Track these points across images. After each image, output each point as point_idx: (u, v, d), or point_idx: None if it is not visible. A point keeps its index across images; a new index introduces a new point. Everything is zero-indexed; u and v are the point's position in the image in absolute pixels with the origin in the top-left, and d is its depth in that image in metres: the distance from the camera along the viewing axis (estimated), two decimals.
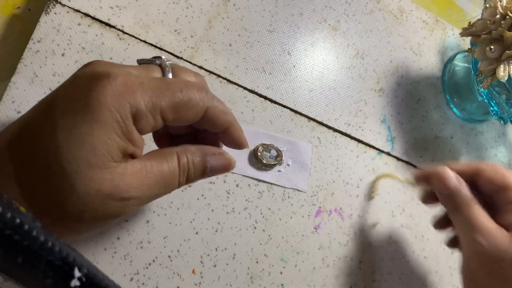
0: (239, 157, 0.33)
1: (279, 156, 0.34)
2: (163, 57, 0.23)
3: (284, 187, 0.34)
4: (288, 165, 0.35)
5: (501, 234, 0.28)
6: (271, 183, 0.34)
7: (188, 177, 0.22)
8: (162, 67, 0.22)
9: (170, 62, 0.22)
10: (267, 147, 0.33)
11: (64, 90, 0.20)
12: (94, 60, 0.21)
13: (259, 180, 0.33)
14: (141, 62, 0.23)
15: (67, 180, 0.17)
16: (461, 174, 0.31)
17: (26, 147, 0.18)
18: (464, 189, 0.30)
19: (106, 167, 0.18)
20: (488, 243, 0.28)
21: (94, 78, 0.19)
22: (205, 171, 0.22)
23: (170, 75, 0.21)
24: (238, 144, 0.24)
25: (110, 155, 0.19)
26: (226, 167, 0.23)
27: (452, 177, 0.31)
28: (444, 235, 0.34)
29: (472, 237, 0.28)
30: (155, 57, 0.22)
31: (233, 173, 0.32)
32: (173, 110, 0.20)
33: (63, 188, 0.18)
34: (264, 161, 0.33)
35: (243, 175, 0.33)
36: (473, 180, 0.31)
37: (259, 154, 0.33)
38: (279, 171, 0.34)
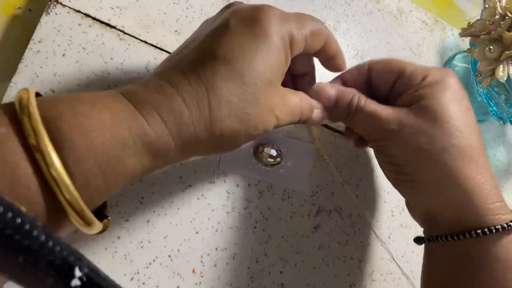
0: (240, 157, 0.33)
1: (279, 156, 0.34)
2: None
3: (284, 187, 0.34)
4: (288, 165, 0.35)
5: (401, 110, 0.28)
6: (271, 183, 0.34)
7: (301, 119, 0.27)
8: None
9: None
10: (267, 147, 0.34)
11: (236, 20, 0.23)
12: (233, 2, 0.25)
13: (259, 180, 0.33)
14: None
15: (253, 93, 0.22)
16: (354, 79, 0.31)
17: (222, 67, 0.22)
18: (346, 93, 0.29)
19: (277, 87, 0.24)
20: (396, 126, 0.28)
21: (255, 9, 0.23)
22: (308, 120, 0.28)
23: None
24: (340, 69, 0.29)
25: (280, 75, 0.24)
26: (319, 121, 0.29)
27: (328, 88, 0.29)
28: None
29: (379, 129, 0.28)
30: None
31: (233, 172, 0.33)
32: (312, 37, 0.25)
33: (250, 99, 0.22)
34: (264, 161, 0.33)
35: (243, 175, 0.33)
36: (368, 79, 0.31)
37: (259, 154, 0.33)
38: (279, 171, 0.34)
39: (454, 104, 0.28)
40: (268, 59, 0.23)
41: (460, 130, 0.27)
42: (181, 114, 0.21)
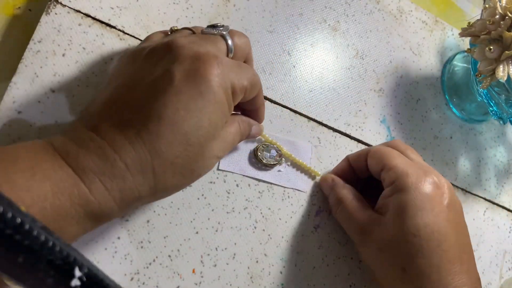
0: (240, 157, 0.33)
1: (279, 156, 0.34)
2: (219, 24, 0.27)
3: (284, 187, 0.34)
4: (288, 165, 0.35)
5: (376, 217, 0.30)
6: (271, 183, 0.34)
7: (240, 139, 0.28)
8: (224, 38, 0.26)
9: (225, 29, 0.26)
10: (267, 147, 0.34)
11: (180, 74, 0.22)
12: (173, 39, 0.24)
13: (259, 180, 0.33)
14: (207, 32, 0.26)
15: (198, 151, 0.23)
16: (356, 161, 0.34)
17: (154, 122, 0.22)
18: (337, 187, 0.33)
19: (219, 136, 0.24)
20: (367, 232, 0.30)
21: (198, 59, 0.23)
22: (248, 136, 0.30)
23: (232, 46, 0.26)
24: (260, 120, 0.31)
25: (222, 126, 0.24)
26: (258, 134, 0.32)
27: (328, 180, 0.34)
28: None
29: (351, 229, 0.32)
30: (213, 26, 0.27)
31: (233, 173, 0.32)
32: (250, 89, 0.26)
33: (194, 157, 0.23)
34: (264, 161, 0.33)
35: (243, 175, 0.33)
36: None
37: (259, 154, 0.33)
38: (279, 171, 0.34)
39: (423, 218, 0.28)
40: (214, 116, 0.23)
41: (426, 247, 0.27)
42: (124, 180, 0.21)
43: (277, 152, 0.34)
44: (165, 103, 0.22)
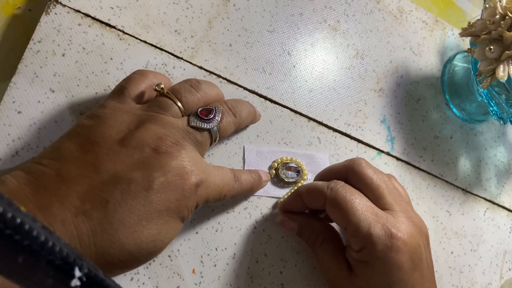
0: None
1: (300, 172, 0.34)
2: (211, 115, 0.27)
3: None
4: (309, 179, 0.35)
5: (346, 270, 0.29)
6: None
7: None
8: (210, 135, 0.27)
9: (214, 122, 0.27)
10: (287, 165, 0.34)
11: (157, 187, 0.23)
12: (163, 136, 0.24)
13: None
14: (195, 126, 0.26)
15: (145, 256, 0.23)
16: (311, 202, 0.30)
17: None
18: (305, 230, 0.31)
19: (167, 245, 0.25)
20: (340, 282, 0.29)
21: (184, 179, 0.24)
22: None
23: (217, 136, 0.28)
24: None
25: (175, 236, 0.25)
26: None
27: (289, 224, 0.32)
28: (443, 232, 0.34)
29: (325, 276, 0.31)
30: (203, 120, 0.27)
31: (260, 196, 0.33)
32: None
33: (141, 260, 0.23)
34: (286, 180, 0.33)
35: (267, 196, 0.33)
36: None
37: (280, 173, 0.33)
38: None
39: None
40: (171, 233, 0.24)
41: None
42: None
43: (297, 168, 0.34)
44: (132, 210, 0.22)
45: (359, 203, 0.27)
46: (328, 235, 0.31)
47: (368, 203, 0.28)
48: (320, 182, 0.29)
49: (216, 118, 0.27)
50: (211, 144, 0.28)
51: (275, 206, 0.33)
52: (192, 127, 0.26)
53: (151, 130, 0.24)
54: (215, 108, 0.27)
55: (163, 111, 0.26)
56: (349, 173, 0.30)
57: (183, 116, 0.27)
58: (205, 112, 0.27)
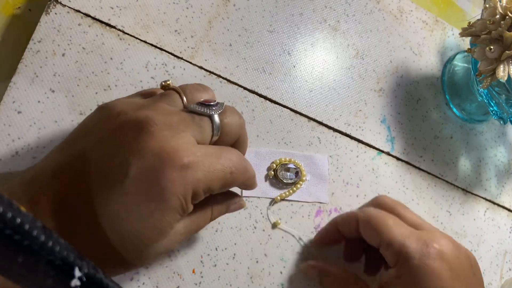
0: (261, 180, 0.33)
1: (298, 173, 0.34)
2: (213, 102, 0.24)
3: (306, 201, 0.34)
4: (307, 180, 0.35)
5: None
6: (294, 201, 0.34)
7: (206, 224, 0.25)
8: (211, 119, 0.23)
9: (218, 108, 0.24)
10: (286, 166, 0.34)
11: (135, 172, 0.20)
12: (147, 118, 0.21)
13: (283, 200, 0.34)
14: (193, 109, 0.23)
15: (133, 254, 0.21)
16: (345, 228, 0.31)
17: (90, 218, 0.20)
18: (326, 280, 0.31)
19: (165, 237, 0.21)
20: None
21: (161, 158, 0.20)
22: (226, 212, 0.27)
23: (218, 128, 0.24)
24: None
25: (171, 228, 0.21)
26: (240, 208, 0.28)
27: (312, 273, 0.31)
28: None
29: None
30: (205, 104, 0.24)
31: (259, 197, 0.33)
32: (220, 188, 0.23)
33: (129, 258, 0.21)
34: (285, 181, 0.33)
35: (267, 197, 0.33)
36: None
37: (279, 174, 0.33)
38: (300, 188, 0.34)
39: None
40: (159, 223, 0.21)
41: None
42: None
43: (296, 169, 0.34)
44: (108, 201, 0.20)
45: (393, 220, 0.28)
46: (349, 279, 0.30)
47: (401, 222, 0.29)
48: (352, 211, 0.30)
49: (219, 106, 0.24)
50: (212, 137, 0.24)
51: (272, 202, 0.33)
52: (191, 110, 0.23)
53: (141, 113, 0.22)
54: (220, 102, 0.25)
55: (164, 100, 0.24)
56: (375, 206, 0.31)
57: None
58: (208, 101, 0.24)
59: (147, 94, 0.26)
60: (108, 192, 0.20)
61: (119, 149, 0.21)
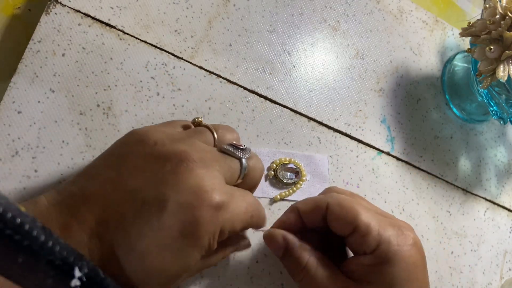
0: (261, 180, 0.33)
1: (298, 173, 0.34)
2: (242, 146, 0.25)
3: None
4: (307, 180, 0.35)
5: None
6: (294, 201, 0.34)
7: (224, 258, 0.27)
8: (241, 163, 0.25)
9: (247, 153, 0.25)
10: (286, 166, 0.34)
11: (172, 207, 0.20)
12: (186, 154, 0.22)
13: (283, 200, 0.34)
14: (226, 151, 0.24)
15: (160, 285, 0.21)
16: (309, 216, 0.28)
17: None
18: (294, 251, 0.27)
19: (187, 271, 0.22)
20: None
21: (202, 200, 0.21)
22: (235, 251, 0.29)
23: (245, 171, 0.25)
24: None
25: (194, 265, 0.22)
26: (247, 248, 0.30)
27: (278, 240, 0.28)
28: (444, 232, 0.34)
29: None
30: (236, 147, 0.25)
31: (259, 197, 0.33)
32: (240, 229, 0.24)
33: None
34: (285, 181, 0.33)
35: (266, 197, 0.33)
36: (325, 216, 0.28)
37: (279, 174, 0.33)
38: (300, 188, 0.34)
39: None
40: (187, 260, 0.21)
41: None
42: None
43: (296, 169, 0.34)
44: (142, 235, 0.20)
45: (365, 205, 0.27)
46: (321, 259, 0.27)
47: (371, 206, 0.28)
48: (316, 196, 0.29)
49: (248, 150, 0.25)
50: (237, 180, 0.25)
51: (271, 201, 0.33)
52: (224, 151, 0.24)
53: (179, 147, 0.22)
54: (247, 147, 0.26)
55: (198, 136, 0.25)
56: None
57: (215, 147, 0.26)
58: (238, 145, 0.25)
59: (179, 126, 0.27)
60: (145, 226, 0.20)
61: (156, 180, 0.21)
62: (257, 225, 0.26)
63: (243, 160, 0.25)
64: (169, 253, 0.20)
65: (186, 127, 0.27)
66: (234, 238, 0.28)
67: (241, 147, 0.25)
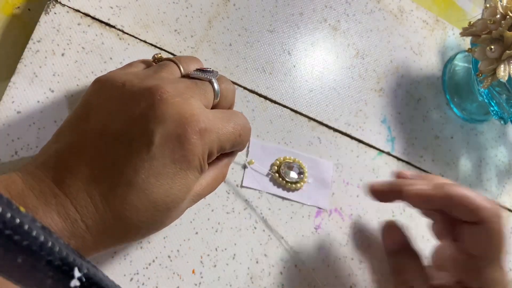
0: (262, 175, 0.34)
1: (301, 174, 0.34)
2: (208, 69, 0.26)
3: (306, 204, 0.34)
4: (309, 182, 0.35)
5: None
6: (293, 200, 0.34)
7: (222, 181, 0.28)
8: (211, 84, 0.25)
9: (214, 74, 0.25)
10: (289, 165, 0.34)
11: (159, 139, 0.21)
12: (158, 87, 0.22)
13: (282, 198, 0.34)
14: (195, 76, 0.25)
15: (166, 215, 0.23)
16: (430, 199, 0.29)
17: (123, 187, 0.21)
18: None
19: (189, 195, 0.23)
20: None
21: (182, 122, 0.22)
22: (231, 162, 0.29)
23: (218, 91, 0.26)
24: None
25: (193, 187, 0.23)
26: (240, 150, 0.29)
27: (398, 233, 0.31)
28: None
29: None
30: (202, 70, 0.26)
31: (260, 191, 0.33)
32: (230, 149, 0.25)
33: (161, 220, 0.23)
34: (287, 179, 0.33)
35: (266, 192, 0.33)
36: (443, 205, 0.29)
37: (282, 172, 0.33)
38: (301, 188, 0.34)
39: None
40: (185, 182, 0.22)
41: None
42: (83, 240, 0.20)
43: (299, 170, 0.34)
44: (137, 169, 0.21)
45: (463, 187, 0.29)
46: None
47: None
48: (479, 196, 0.28)
49: (215, 72, 0.26)
50: (213, 100, 0.26)
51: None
52: (193, 77, 0.25)
53: (148, 82, 0.23)
54: (214, 69, 0.27)
55: (163, 70, 0.25)
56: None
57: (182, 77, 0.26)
58: (204, 68, 0.26)
59: (141, 64, 0.27)
60: (137, 160, 0.21)
61: (136, 118, 0.22)
62: (246, 142, 0.27)
63: (213, 80, 0.25)
64: (167, 179, 0.21)
65: (148, 65, 0.27)
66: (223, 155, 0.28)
67: (208, 69, 0.26)
